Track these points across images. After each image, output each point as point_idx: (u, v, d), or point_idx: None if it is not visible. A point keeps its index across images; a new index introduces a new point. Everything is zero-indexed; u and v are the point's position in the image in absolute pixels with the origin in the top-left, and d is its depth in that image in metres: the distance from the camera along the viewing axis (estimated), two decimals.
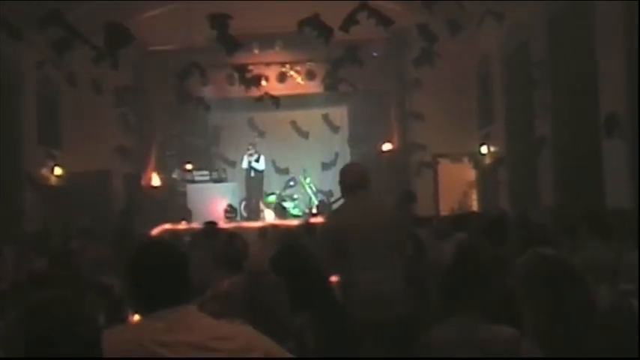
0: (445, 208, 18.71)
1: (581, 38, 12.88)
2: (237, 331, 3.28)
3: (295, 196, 20.62)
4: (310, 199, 20.64)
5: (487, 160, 19.17)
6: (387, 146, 20.28)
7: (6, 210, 15.59)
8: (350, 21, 11.59)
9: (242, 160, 20.57)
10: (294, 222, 15.54)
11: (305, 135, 22.57)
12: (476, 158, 19.77)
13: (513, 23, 15.40)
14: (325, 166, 22.52)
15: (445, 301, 3.87)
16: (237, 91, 18.10)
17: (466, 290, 3.56)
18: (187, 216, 18.42)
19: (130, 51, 12.10)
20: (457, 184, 20.02)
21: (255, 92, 16.56)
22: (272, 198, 20.48)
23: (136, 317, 3.58)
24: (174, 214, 18.49)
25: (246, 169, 20.32)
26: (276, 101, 16.36)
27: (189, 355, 3.08)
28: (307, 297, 4.39)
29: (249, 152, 20.21)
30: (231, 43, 11.86)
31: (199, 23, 13.55)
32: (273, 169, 22.25)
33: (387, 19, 11.97)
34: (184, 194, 19.95)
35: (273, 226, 13.97)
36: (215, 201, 19.31)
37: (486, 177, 19.44)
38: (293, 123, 22.26)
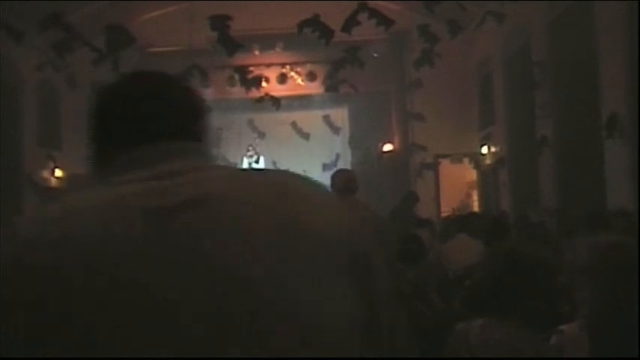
0: (446, 209, 18.73)
1: (583, 39, 12.88)
2: None
3: None
4: None
5: (488, 161, 19.16)
6: (387, 147, 20.30)
7: (6, 212, 15.58)
8: (351, 22, 11.60)
9: (242, 161, 20.59)
10: None
11: (306, 136, 22.55)
12: (477, 159, 19.77)
13: (514, 24, 15.38)
14: (326, 167, 22.45)
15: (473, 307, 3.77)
16: (237, 92, 18.08)
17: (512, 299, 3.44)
18: None
19: (130, 53, 12.10)
20: (458, 185, 20.02)
21: (255, 93, 16.56)
22: None
23: None
24: None
25: None
26: (276, 102, 16.37)
27: None
28: None
29: (249, 154, 20.23)
30: (232, 45, 11.86)
31: (200, 25, 13.56)
32: None
33: (388, 19, 11.97)
34: None
35: None
36: None
37: (487, 178, 19.44)
38: (294, 124, 22.23)
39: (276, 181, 1.49)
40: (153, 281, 1.24)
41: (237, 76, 16.13)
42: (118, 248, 1.27)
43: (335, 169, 9.57)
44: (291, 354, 1.27)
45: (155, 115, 1.57)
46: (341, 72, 15.07)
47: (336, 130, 23.14)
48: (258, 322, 1.25)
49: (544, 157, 14.77)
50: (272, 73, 19.82)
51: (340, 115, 22.99)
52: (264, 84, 17.32)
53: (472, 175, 20.27)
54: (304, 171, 21.42)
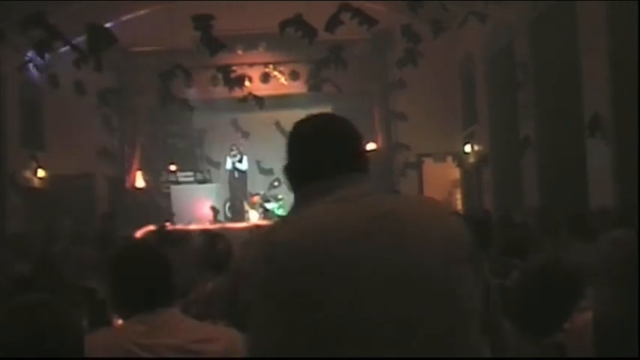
0: None
1: (565, 39, 12.93)
2: (220, 333, 3.26)
3: (280, 197, 20.58)
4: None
5: (471, 160, 19.22)
6: (371, 146, 20.29)
7: None
8: (334, 21, 11.61)
9: (225, 161, 20.54)
10: None
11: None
12: (460, 158, 19.84)
13: (496, 24, 15.43)
14: None
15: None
16: (220, 92, 18.05)
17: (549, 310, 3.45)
18: (171, 217, 18.37)
19: (112, 53, 12.07)
20: (441, 184, 20.08)
21: (238, 93, 16.55)
22: (256, 199, 20.45)
23: (120, 321, 3.57)
24: (158, 216, 18.42)
25: (230, 170, 20.30)
26: (260, 102, 16.36)
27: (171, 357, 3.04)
28: None
29: (233, 153, 20.19)
30: (215, 44, 11.86)
31: (182, 24, 13.54)
32: (258, 170, 22.20)
33: (371, 19, 12.00)
34: (168, 195, 19.95)
35: (258, 227, 13.94)
36: (199, 202, 19.28)
37: (470, 177, 19.50)
38: (277, 123, 22.16)
39: (424, 201, 2.28)
40: (375, 261, 1.94)
41: (220, 76, 16.11)
42: (355, 246, 1.95)
43: None
44: (454, 327, 1.95)
45: (343, 154, 2.24)
46: (324, 71, 15.09)
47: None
48: (437, 300, 1.95)
49: (527, 156, 14.82)
50: (255, 73, 19.78)
51: None
52: (247, 83, 17.31)
53: (455, 173, 20.34)
54: None
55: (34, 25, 10.68)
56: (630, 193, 10.11)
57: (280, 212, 19.35)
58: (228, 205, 20.14)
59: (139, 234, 15.53)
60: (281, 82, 20.17)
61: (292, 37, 12.48)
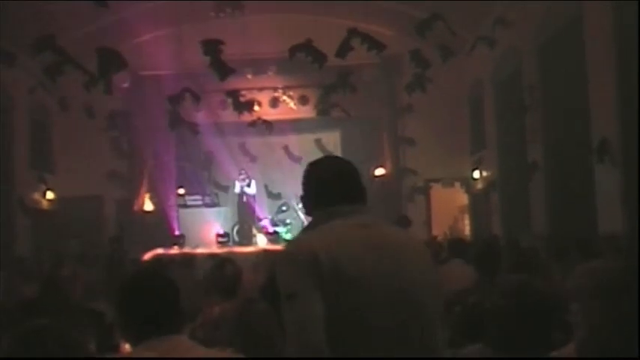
0: (437, 233, 18.73)
1: (573, 63, 12.94)
2: None
3: (288, 221, 20.56)
4: (303, 224, 20.54)
5: (479, 185, 19.19)
6: (379, 171, 20.28)
7: None
8: (345, 47, 11.67)
9: (234, 185, 20.54)
10: None
11: (297, 160, 22.50)
12: (468, 183, 19.81)
13: (505, 49, 15.48)
14: None
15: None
16: (229, 116, 18.08)
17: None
18: (179, 241, 18.37)
19: (122, 76, 12.12)
20: (449, 209, 20.05)
21: (247, 117, 16.59)
22: (264, 223, 20.44)
23: (127, 346, 3.56)
24: (166, 239, 18.43)
25: (239, 194, 20.30)
26: (268, 126, 16.40)
27: None
28: None
29: (241, 177, 20.20)
30: (224, 69, 11.91)
31: (192, 48, 13.61)
32: (266, 194, 22.20)
33: (380, 43, 12.06)
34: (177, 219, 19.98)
35: (266, 251, 13.93)
36: (207, 225, 19.29)
37: (478, 202, 19.46)
38: (285, 148, 22.22)
39: (403, 232, 3.34)
40: (384, 272, 2.83)
41: (229, 100, 16.13)
42: (367, 254, 2.84)
43: None
44: (432, 317, 2.90)
45: (348, 187, 3.14)
46: (333, 96, 15.13)
47: (327, 153, 23.11)
48: (423, 298, 2.89)
49: (535, 181, 14.80)
50: (264, 97, 19.84)
51: (332, 138, 22.99)
52: (256, 108, 17.37)
53: (463, 199, 20.30)
54: (296, 195, 21.41)
55: (45, 48, 10.75)
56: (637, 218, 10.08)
57: (288, 236, 19.30)
58: (236, 228, 20.13)
59: (147, 257, 15.56)
60: (290, 107, 20.19)
61: (302, 61, 12.53)
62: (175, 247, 17.78)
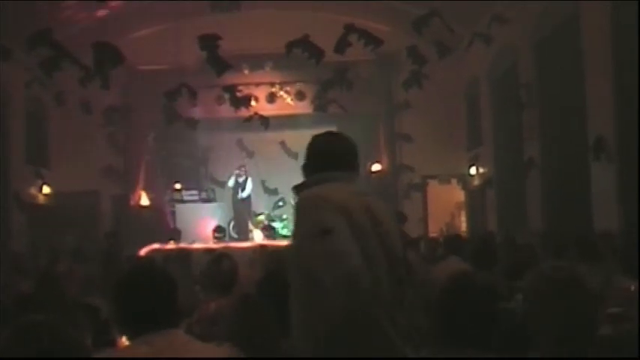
0: (434, 230, 18.76)
1: (569, 60, 12.96)
2: (225, 355, 3.26)
3: (284, 216, 20.55)
4: None
5: (476, 182, 19.21)
6: (376, 167, 20.28)
7: None
8: (343, 43, 11.66)
9: (230, 179, 20.50)
10: (284, 242, 15.48)
11: (294, 155, 22.44)
12: (464, 180, 19.83)
13: (501, 46, 15.49)
14: None
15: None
16: (226, 111, 18.04)
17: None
18: (176, 236, 18.34)
19: (118, 71, 12.08)
20: (446, 206, 20.05)
21: (244, 112, 16.57)
22: (261, 218, 20.43)
23: (124, 340, 3.56)
24: (162, 234, 18.41)
25: (233, 188, 20.30)
26: (265, 121, 16.38)
27: None
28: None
29: (237, 172, 20.21)
30: (221, 64, 11.89)
31: (189, 44, 13.58)
32: (262, 190, 22.20)
33: (377, 39, 12.06)
34: (173, 214, 19.97)
35: (262, 247, 13.93)
36: (204, 221, 19.27)
37: (475, 199, 19.48)
38: (282, 143, 22.21)
39: (383, 202, 3.85)
40: (366, 220, 3.49)
41: (226, 95, 16.10)
42: (352, 208, 3.46)
43: None
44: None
45: (345, 155, 3.75)
46: (330, 92, 15.12)
47: None
48: (392, 243, 3.63)
49: (531, 178, 14.81)
50: (261, 93, 19.81)
51: None
52: (253, 103, 17.36)
53: (460, 195, 20.31)
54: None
55: (42, 43, 10.72)
56: (634, 216, 10.09)
57: (285, 232, 19.29)
58: (232, 224, 20.12)
59: (143, 252, 15.54)
60: (287, 102, 20.18)
61: (299, 57, 12.51)
62: (172, 242, 17.74)
